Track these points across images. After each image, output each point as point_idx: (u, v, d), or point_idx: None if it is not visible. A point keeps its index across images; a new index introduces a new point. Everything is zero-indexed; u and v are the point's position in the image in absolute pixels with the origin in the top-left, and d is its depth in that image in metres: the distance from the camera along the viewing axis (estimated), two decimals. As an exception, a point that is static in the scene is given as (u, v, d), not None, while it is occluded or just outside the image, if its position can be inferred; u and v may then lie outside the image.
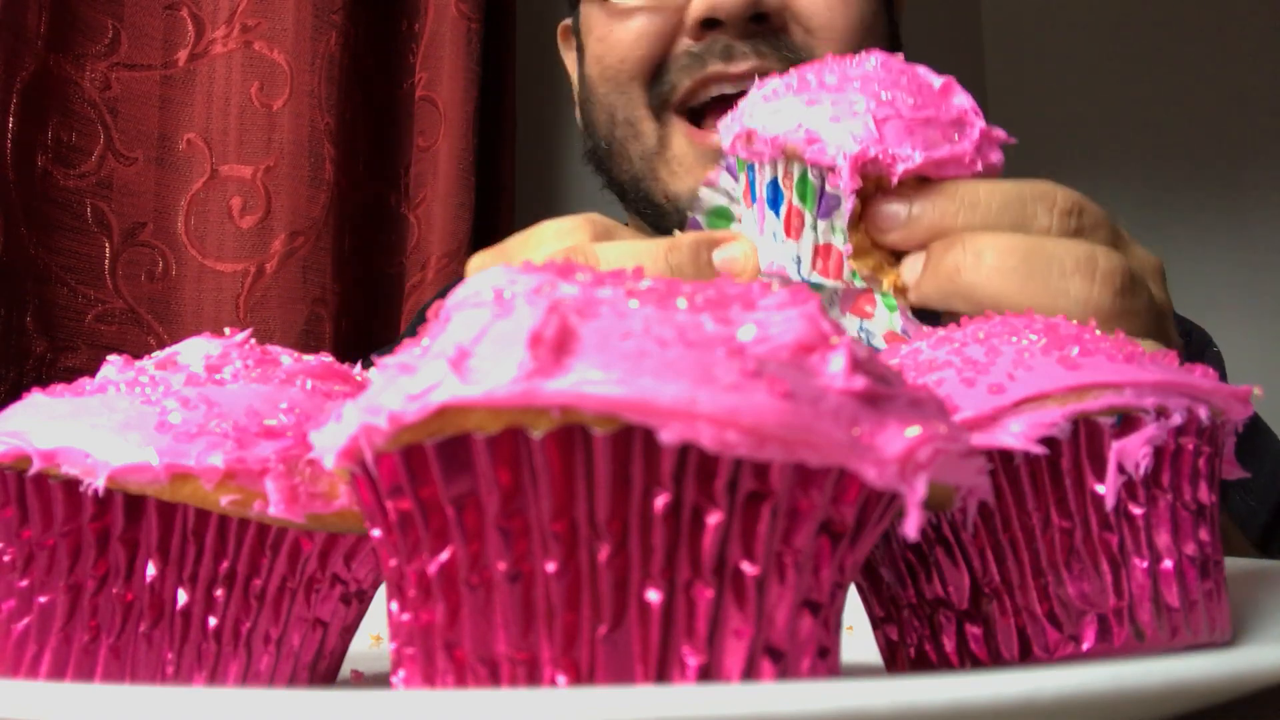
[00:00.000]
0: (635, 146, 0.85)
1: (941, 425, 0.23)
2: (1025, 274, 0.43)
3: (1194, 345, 0.91)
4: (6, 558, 0.31)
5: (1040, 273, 0.42)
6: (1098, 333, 0.34)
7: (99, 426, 0.30)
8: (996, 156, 0.46)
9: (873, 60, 0.46)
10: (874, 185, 0.44)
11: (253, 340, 0.35)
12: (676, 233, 0.49)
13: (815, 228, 0.46)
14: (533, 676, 0.22)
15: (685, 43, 0.81)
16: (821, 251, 0.46)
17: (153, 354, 0.34)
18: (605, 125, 0.87)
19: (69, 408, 0.31)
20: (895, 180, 0.43)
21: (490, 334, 0.23)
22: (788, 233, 0.46)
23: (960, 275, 0.44)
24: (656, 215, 0.86)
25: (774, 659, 0.23)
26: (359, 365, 0.37)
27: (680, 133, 0.82)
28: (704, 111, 0.81)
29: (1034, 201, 0.45)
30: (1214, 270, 1.92)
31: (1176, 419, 0.31)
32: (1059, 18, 2.05)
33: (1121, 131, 2.00)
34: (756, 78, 0.50)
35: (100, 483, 0.29)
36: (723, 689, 0.18)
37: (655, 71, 0.83)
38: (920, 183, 0.44)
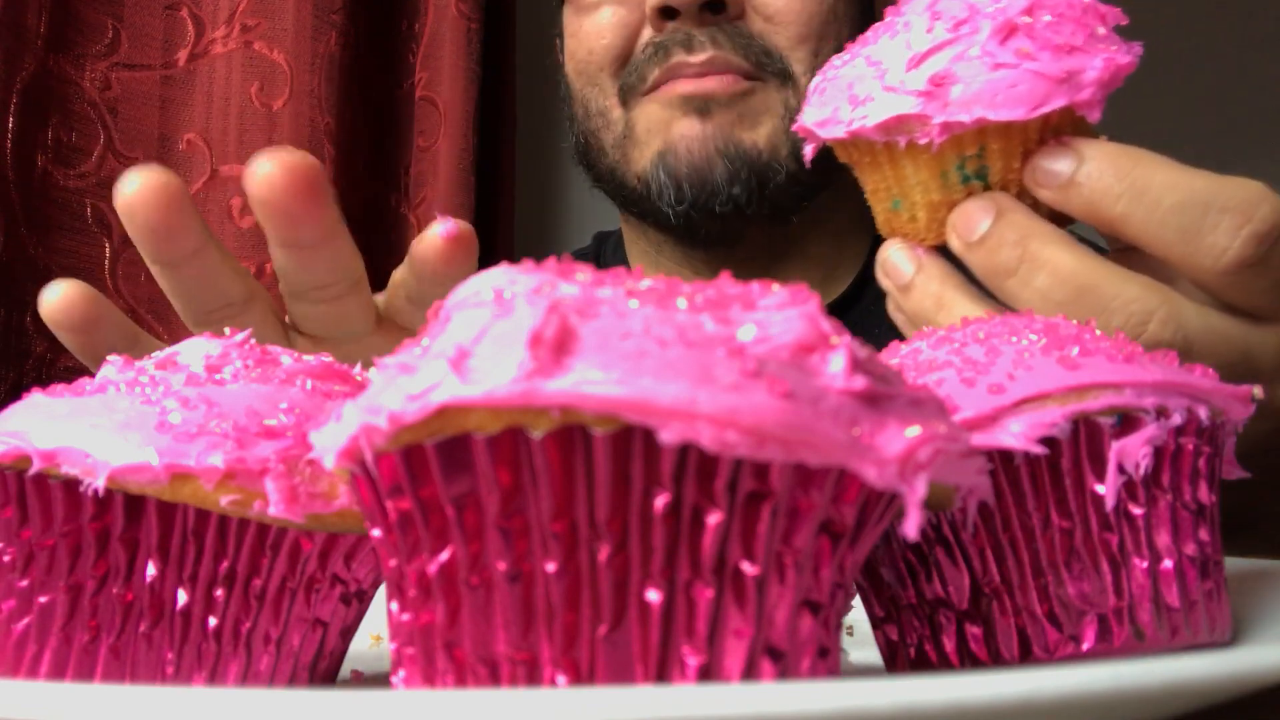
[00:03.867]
0: (607, 135, 0.86)
1: (941, 425, 0.23)
2: (1069, 313, 0.38)
3: None
4: (6, 558, 0.31)
5: (1083, 316, 0.38)
6: (1098, 333, 0.34)
7: (99, 426, 0.30)
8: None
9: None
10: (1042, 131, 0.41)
11: (253, 340, 0.35)
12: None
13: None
14: (533, 676, 0.22)
15: (648, 33, 0.81)
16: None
17: (153, 354, 0.34)
18: (582, 119, 0.89)
19: (69, 408, 0.31)
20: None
21: (490, 334, 0.23)
22: None
23: (1006, 280, 0.41)
24: (634, 203, 0.87)
25: (774, 659, 0.23)
26: (359, 365, 0.37)
27: (649, 102, 0.82)
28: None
29: (1221, 213, 0.38)
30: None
31: (1176, 419, 0.31)
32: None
33: (1122, 130, 2.00)
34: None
35: (100, 483, 0.29)
36: (723, 689, 0.18)
37: (622, 62, 0.84)
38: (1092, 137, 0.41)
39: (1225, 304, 0.41)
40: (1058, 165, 0.41)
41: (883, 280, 0.45)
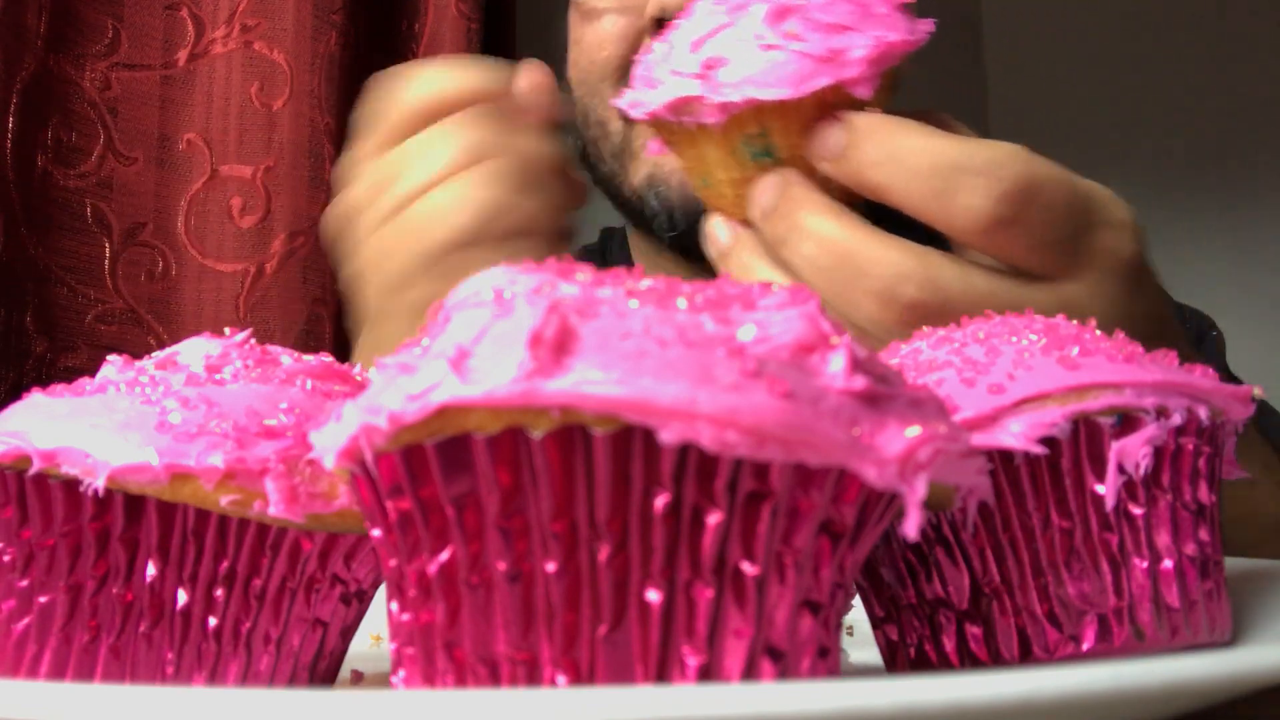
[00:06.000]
0: (605, 145, 0.86)
1: (941, 425, 0.23)
2: (832, 279, 0.42)
3: (1192, 330, 0.91)
4: (6, 558, 0.31)
5: (843, 281, 0.41)
6: (1097, 333, 0.34)
7: (99, 426, 0.30)
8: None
9: None
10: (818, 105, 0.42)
11: (253, 340, 0.35)
12: None
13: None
14: (533, 676, 0.22)
15: (649, 42, 0.81)
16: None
17: (153, 354, 0.34)
18: (581, 127, 0.88)
19: (69, 408, 0.31)
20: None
21: (490, 334, 0.23)
22: None
23: (782, 250, 0.43)
24: (630, 214, 0.87)
25: (774, 659, 0.23)
26: (359, 365, 0.37)
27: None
28: None
29: (972, 174, 0.40)
30: (1214, 269, 1.91)
31: (1176, 419, 0.31)
32: (1059, 18, 2.05)
33: (1122, 130, 2.00)
34: None
35: (100, 483, 0.29)
36: (723, 689, 0.18)
37: (624, 73, 0.83)
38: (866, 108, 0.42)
39: (1004, 265, 0.42)
40: (829, 139, 0.43)
41: (706, 249, 0.48)
